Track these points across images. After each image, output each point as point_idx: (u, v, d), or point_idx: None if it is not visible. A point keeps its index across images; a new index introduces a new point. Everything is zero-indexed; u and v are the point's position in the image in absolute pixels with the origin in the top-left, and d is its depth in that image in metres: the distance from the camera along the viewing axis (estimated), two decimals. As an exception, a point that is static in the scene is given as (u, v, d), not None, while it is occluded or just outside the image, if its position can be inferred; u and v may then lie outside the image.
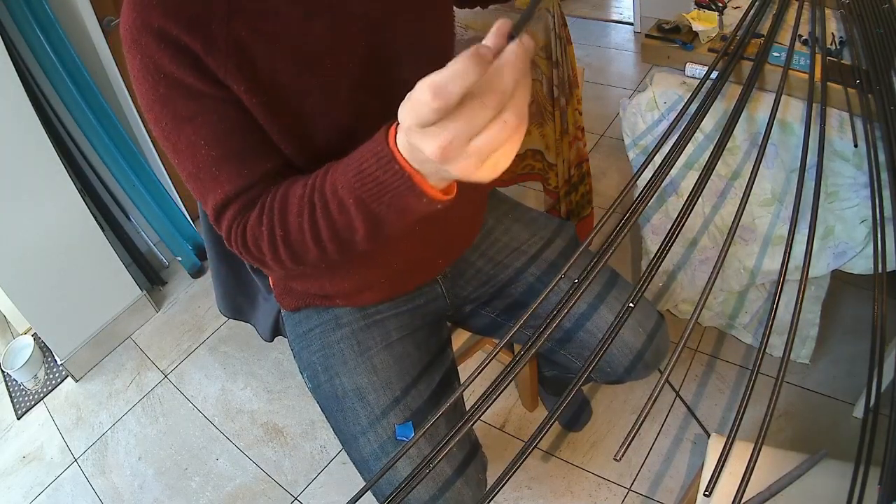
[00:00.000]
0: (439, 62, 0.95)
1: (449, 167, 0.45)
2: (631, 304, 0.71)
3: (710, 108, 1.00)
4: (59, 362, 1.95)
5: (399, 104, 0.45)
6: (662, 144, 0.97)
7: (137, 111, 2.04)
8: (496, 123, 0.43)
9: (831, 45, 1.18)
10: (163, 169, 2.18)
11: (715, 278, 0.73)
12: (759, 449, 0.64)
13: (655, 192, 0.86)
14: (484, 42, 0.42)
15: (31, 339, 2.06)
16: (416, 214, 0.57)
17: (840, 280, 1.58)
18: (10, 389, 2.01)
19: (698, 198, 0.85)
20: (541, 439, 0.63)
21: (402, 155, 0.51)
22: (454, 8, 0.87)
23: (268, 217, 0.65)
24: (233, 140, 0.67)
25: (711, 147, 0.95)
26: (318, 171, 0.62)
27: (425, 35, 0.80)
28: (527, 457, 0.63)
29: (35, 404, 1.95)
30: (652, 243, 1.55)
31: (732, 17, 1.30)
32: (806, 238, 0.83)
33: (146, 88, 0.65)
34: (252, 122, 0.69)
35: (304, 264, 0.68)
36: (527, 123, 0.45)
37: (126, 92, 1.99)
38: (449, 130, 0.43)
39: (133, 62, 0.65)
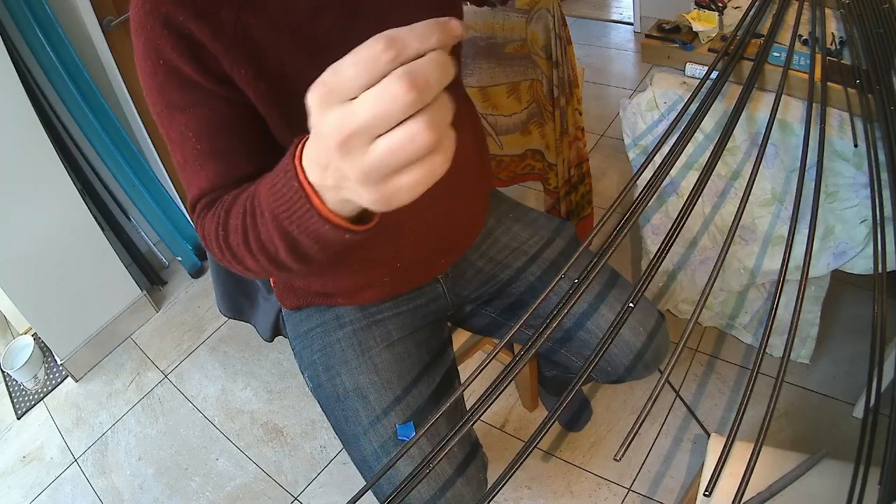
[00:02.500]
0: None
1: (345, 163, 0.39)
2: (631, 304, 0.71)
3: (710, 108, 1.00)
4: (59, 362, 1.95)
5: None
6: (662, 144, 0.97)
7: (138, 111, 2.04)
8: (407, 127, 0.37)
9: (831, 45, 1.18)
10: (163, 169, 2.18)
11: (715, 278, 0.73)
12: (759, 449, 0.64)
13: (655, 192, 0.86)
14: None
15: (31, 339, 2.06)
16: (330, 243, 0.51)
17: (840, 280, 1.59)
18: (10, 389, 2.01)
19: (698, 198, 0.85)
20: (541, 439, 0.63)
21: (303, 170, 0.45)
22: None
23: (216, 216, 0.64)
24: (219, 138, 0.67)
25: (711, 147, 0.95)
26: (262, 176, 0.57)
27: None
28: (527, 457, 0.63)
29: (35, 404, 1.95)
30: (652, 243, 1.55)
31: (732, 17, 1.30)
32: (806, 238, 0.84)
33: (146, 72, 0.66)
34: (242, 123, 0.68)
35: (250, 271, 0.64)
36: (447, 160, 0.39)
37: (126, 92, 1.99)
38: (358, 114, 0.37)
39: (137, 44, 0.65)
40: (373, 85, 0.36)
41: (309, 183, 0.45)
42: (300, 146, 0.46)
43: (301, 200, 0.47)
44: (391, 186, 0.39)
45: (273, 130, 0.71)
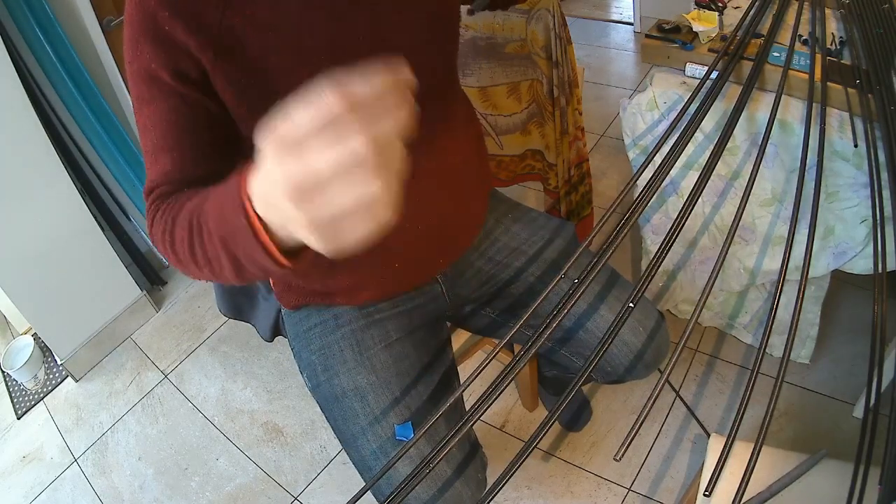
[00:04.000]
0: (443, 63, 0.95)
1: (295, 212, 0.40)
2: (631, 304, 0.71)
3: (710, 108, 1.00)
4: (59, 362, 1.95)
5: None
6: (662, 144, 0.97)
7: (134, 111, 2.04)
8: (359, 183, 0.38)
9: (831, 45, 1.18)
10: (163, 169, 2.18)
11: (715, 278, 0.73)
12: (759, 449, 0.64)
13: (655, 192, 0.86)
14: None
15: (31, 339, 2.06)
16: (273, 273, 0.53)
17: (840, 280, 1.58)
18: (10, 389, 2.01)
19: (698, 198, 0.85)
20: (541, 439, 0.63)
21: (251, 203, 0.46)
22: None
23: (164, 221, 0.64)
24: (173, 135, 0.69)
25: (711, 147, 0.95)
26: (208, 189, 0.58)
27: (431, 35, 0.80)
28: (527, 457, 0.63)
29: (35, 404, 1.95)
30: (652, 243, 1.55)
31: (732, 17, 1.30)
32: (806, 238, 0.84)
33: (127, 61, 0.68)
34: (199, 125, 0.70)
35: (192, 276, 0.66)
36: (394, 211, 0.40)
37: (126, 92, 1.99)
38: (312, 166, 0.38)
39: (125, 34, 0.67)
40: (325, 134, 0.37)
41: (256, 215, 0.46)
42: (245, 178, 0.46)
43: (247, 233, 0.47)
44: (338, 234, 0.40)
45: (241, 126, 0.72)
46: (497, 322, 1.06)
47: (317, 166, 0.37)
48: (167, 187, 0.69)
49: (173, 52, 0.65)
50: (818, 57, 1.14)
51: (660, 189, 1.04)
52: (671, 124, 0.99)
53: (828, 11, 1.28)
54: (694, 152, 1.30)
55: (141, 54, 0.66)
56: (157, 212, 0.67)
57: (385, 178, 0.38)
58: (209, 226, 0.55)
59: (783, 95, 1.09)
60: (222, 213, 0.51)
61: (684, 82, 1.26)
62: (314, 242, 0.42)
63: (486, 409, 0.65)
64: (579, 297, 0.72)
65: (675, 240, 0.79)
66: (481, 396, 0.66)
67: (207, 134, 0.70)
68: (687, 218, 0.82)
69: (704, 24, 1.25)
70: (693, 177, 1.32)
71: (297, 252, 0.50)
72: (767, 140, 0.97)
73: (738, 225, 0.82)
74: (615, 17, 3.22)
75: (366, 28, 0.71)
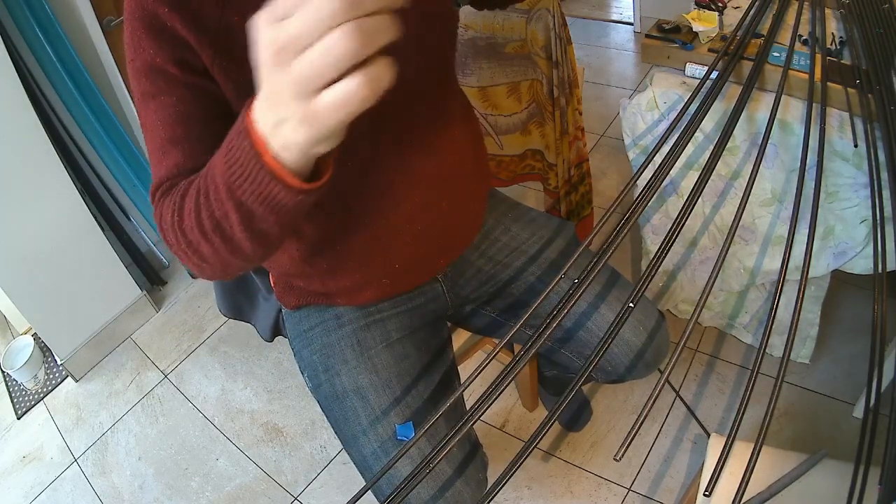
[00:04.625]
0: (439, 62, 0.94)
1: (278, 77, 0.40)
2: (631, 304, 0.71)
3: (710, 108, 1.00)
4: (59, 362, 1.95)
5: (392, 100, 0.41)
6: (662, 144, 0.97)
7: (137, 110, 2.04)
8: (329, 36, 0.37)
9: (831, 45, 1.18)
10: (163, 169, 2.18)
11: (715, 278, 0.73)
12: (759, 449, 0.64)
13: (655, 192, 0.86)
14: None
15: (31, 339, 2.06)
16: (283, 210, 0.51)
17: (840, 280, 1.59)
18: (10, 389, 2.01)
19: (698, 198, 0.85)
20: (541, 439, 0.63)
21: (255, 125, 0.46)
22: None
23: (172, 202, 0.62)
24: (182, 126, 0.68)
25: (711, 147, 0.95)
26: None
27: (428, 33, 0.80)
28: (527, 457, 0.63)
29: (35, 404, 1.95)
30: (652, 243, 1.55)
31: (732, 17, 1.30)
32: (806, 238, 0.83)
33: (128, 59, 0.68)
34: (207, 114, 0.69)
35: (205, 262, 0.62)
36: (372, 81, 0.39)
37: (126, 92, 1.99)
38: (289, 25, 0.38)
39: (125, 33, 0.67)
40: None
41: (259, 136, 0.46)
42: (252, 103, 0.46)
43: (253, 160, 0.47)
44: (317, 103, 0.40)
45: None
46: (497, 322, 1.06)
47: (292, 24, 0.38)
48: (179, 179, 0.66)
49: (175, 44, 0.65)
50: (818, 57, 1.14)
51: (660, 189, 1.04)
52: (671, 124, 0.99)
53: (828, 11, 1.28)
54: (694, 152, 1.30)
55: (143, 50, 0.65)
56: (167, 198, 0.64)
57: (366, 39, 0.37)
58: (216, 178, 0.53)
59: (783, 95, 1.09)
60: (229, 153, 0.50)
61: (684, 82, 1.26)
62: (298, 117, 0.41)
63: (486, 409, 0.65)
64: (579, 296, 0.72)
65: (675, 240, 0.79)
66: (481, 396, 0.66)
67: (216, 123, 0.68)
68: (687, 218, 0.82)
69: (704, 24, 1.25)
70: (693, 177, 1.32)
71: (307, 180, 0.49)
72: (767, 140, 0.97)
73: (738, 225, 0.82)
74: (615, 17, 3.22)
75: None
